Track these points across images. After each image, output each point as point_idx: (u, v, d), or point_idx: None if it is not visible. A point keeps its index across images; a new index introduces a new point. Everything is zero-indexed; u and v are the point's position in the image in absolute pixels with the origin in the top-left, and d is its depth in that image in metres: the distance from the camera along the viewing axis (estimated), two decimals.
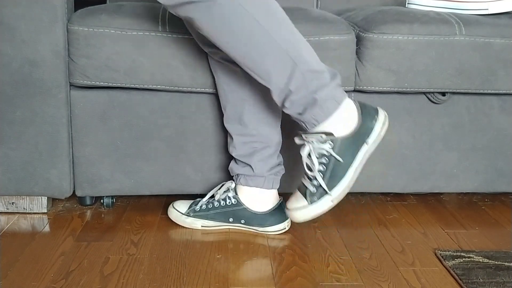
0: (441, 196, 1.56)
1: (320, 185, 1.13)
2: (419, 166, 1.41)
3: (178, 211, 1.30)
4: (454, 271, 1.09)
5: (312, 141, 1.13)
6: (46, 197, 1.35)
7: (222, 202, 1.28)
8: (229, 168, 1.30)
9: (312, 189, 1.13)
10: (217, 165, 1.35)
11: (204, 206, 1.29)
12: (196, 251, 1.17)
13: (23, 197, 1.35)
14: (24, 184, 1.30)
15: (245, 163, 1.27)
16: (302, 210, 1.14)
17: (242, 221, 1.27)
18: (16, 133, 1.26)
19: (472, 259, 1.14)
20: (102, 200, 1.40)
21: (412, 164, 1.40)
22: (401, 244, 1.23)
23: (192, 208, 1.29)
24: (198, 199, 1.32)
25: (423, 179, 1.42)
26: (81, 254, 1.15)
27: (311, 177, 1.14)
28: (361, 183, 1.41)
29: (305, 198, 1.14)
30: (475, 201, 1.53)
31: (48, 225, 1.29)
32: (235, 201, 1.27)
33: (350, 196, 1.52)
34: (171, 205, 1.33)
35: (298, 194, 1.17)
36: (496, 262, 1.13)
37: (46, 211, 1.36)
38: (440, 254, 1.17)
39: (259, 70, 1.09)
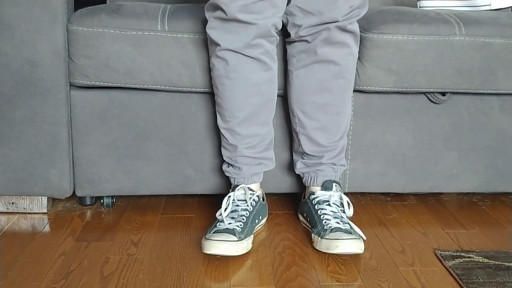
0: (441, 196, 1.56)
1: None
2: (419, 166, 1.41)
3: (229, 241, 1.11)
4: (454, 271, 1.09)
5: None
6: (46, 197, 1.35)
7: (250, 208, 1.22)
8: (237, 173, 1.26)
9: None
10: (217, 165, 1.35)
11: (241, 224, 1.17)
12: (196, 251, 1.17)
13: (23, 197, 1.35)
14: (24, 184, 1.30)
15: (259, 158, 1.27)
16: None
17: (260, 217, 1.27)
18: (16, 133, 1.26)
19: (472, 259, 1.14)
20: (102, 200, 1.40)
21: (412, 164, 1.41)
22: (401, 244, 1.23)
23: (233, 230, 1.14)
24: (218, 222, 1.18)
25: (423, 179, 1.42)
26: (81, 254, 1.15)
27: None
28: (361, 183, 1.41)
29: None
30: (475, 201, 1.53)
31: (48, 225, 1.29)
32: (257, 199, 1.26)
33: (350, 196, 1.52)
34: (208, 242, 1.11)
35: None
36: (496, 262, 1.13)
37: (46, 211, 1.36)
38: (440, 254, 1.17)
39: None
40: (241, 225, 1.16)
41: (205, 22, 1.22)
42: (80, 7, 1.30)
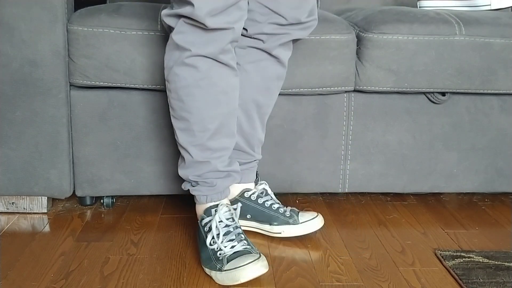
0: (441, 196, 1.56)
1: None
2: (419, 166, 1.41)
3: (257, 259, 1.03)
4: (454, 271, 1.09)
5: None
6: (46, 197, 1.35)
7: (239, 225, 1.14)
8: (210, 189, 1.16)
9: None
10: None
11: (246, 242, 1.09)
12: (196, 251, 1.17)
13: (23, 197, 1.35)
14: (24, 184, 1.30)
15: (228, 171, 1.18)
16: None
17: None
18: (16, 133, 1.26)
19: (472, 259, 1.14)
20: (102, 200, 1.40)
21: (412, 164, 1.41)
22: (401, 244, 1.24)
23: (251, 247, 1.08)
24: (218, 251, 1.07)
25: (423, 179, 1.42)
26: (81, 254, 1.15)
27: None
28: (361, 183, 1.41)
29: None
30: (475, 201, 1.53)
31: (48, 225, 1.29)
32: (237, 214, 1.23)
33: (350, 196, 1.52)
34: (242, 269, 1.02)
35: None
36: (496, 262, 1.13)
37: (46, 211, 1.36)
38: (440, 254, 1.17)
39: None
40: (247, 243, 1.08)
41: None
42: (80, 7, 1.30)
